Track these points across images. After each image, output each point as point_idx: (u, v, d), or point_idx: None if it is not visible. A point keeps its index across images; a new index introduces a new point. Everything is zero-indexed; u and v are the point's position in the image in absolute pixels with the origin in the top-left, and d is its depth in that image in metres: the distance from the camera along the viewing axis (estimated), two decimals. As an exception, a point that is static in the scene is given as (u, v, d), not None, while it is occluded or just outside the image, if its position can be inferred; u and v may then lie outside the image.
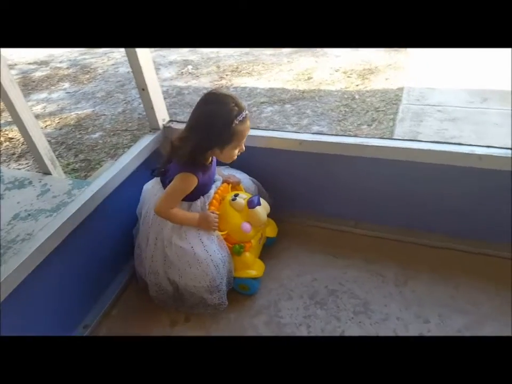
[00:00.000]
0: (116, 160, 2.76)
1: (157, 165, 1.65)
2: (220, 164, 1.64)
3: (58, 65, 5.64)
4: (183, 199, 1.51)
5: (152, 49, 5.75)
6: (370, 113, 3.49)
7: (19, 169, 3.45)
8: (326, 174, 1.82)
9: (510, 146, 1.49)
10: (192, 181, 1.46)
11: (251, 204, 1.53)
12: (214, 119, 1.37)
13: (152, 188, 1.64)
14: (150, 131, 1.95)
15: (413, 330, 1.48)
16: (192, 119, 1.44)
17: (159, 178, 1.64)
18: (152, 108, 1.87)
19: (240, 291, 1.66)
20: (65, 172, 3.06)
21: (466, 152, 1.51)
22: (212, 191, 1.60)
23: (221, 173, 1.72)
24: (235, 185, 1.68)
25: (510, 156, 1.47)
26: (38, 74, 5.42)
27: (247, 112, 1.40)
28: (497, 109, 3.33)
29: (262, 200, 1.58)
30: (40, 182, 2.74)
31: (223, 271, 1.53)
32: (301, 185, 1.90)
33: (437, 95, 3.66)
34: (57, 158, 3.50)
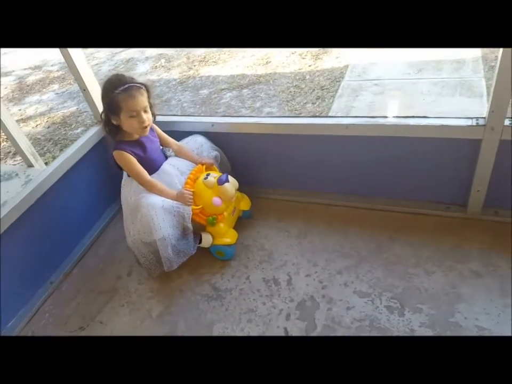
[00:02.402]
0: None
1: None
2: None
3: (50, 68, 5.82)
4: None
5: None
6: (316, 91, 3.64)
7: (14, 165, 3.68)
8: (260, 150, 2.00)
9: (423, 115, 1.63)
10: (124, 156, 1.65)
11: (220, 181, 1.68)
12: (102, 93, 1.63)
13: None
14: (95, 123, 2.17)
15: (303, 272, 1.69)
16: None
17: None
18: (95, 104, 2.08)
19: (218, 257, 1.81)
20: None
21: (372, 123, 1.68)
22: (167, 167, 1.77)
23: (193, 156, 1.85)
24: (209, 166, 1.82)
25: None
26: (32, 78, 5.61)
27: (131, 85, 1.58)
28: (429, 78, 3.45)
29: (230, 178, 1.72)
30: (24, 173, 3.00)
31: (165, 217, 1.59)
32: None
33: (378, 69, 3.78)
34: (45, 152, 3.76)
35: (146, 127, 1.65)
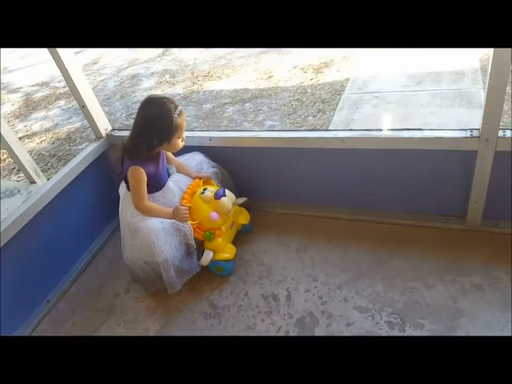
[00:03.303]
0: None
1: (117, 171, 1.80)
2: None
3: (57, 84, 5.86)
4: None
5: (138, 61, 5.94)
6: (317, 105, 3.62)
7: (18, 181, 3.68)
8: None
9: (418, 127, 1.61)
10: (140, 172, 1.62)
11: (217, 196, 1.66)
12: (159, 118, 1.58)
13: (121, 188, 1.80)
14: (95, 139, 2.15)
15: (302, 287, 1.65)
16: (137, 121, 1.64)
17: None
18: (93, 120, 2.07)
19: (216, 272, 1.77)
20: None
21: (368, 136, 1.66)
22: (171, 184, 1.74)
23: (191, 172, 1.84)
24: (206, 180, 1.81)
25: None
26: (39, 95, 5.65)
27: (180, 108, 1.61)
28: (427, 90, 3.43)
29: (227, 191, 1.71)
30: (26, 190, 2.99)
31: (166, 240, 1.57)
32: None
33: (378, 82, 3.76)
34: (49, 168, 3.76)
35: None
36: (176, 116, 1.57)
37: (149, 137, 1.59)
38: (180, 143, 1.66)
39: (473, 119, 2.80)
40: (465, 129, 1.49)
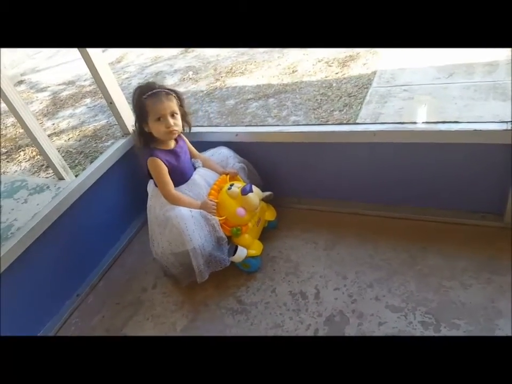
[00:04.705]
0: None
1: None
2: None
3: (83, 83, 5.95)
4: None
5: (161, 58, 5.97)
6: (343, 99, 3.56)
7: (47, 177, 3.75)
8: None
9: (453, 120, 1.57)
10: (157, 162, 1.64)
11: (244, 191, 1.65)
12: (132, 100, 1.67)
13: (149, 185, 1.82)
14: (122, 136, 2.17)
15: (331, 285, 1.62)
16: None
17: None
18: (121, 116, 2.09)
19: (243, 269, 1.75)
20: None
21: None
22: (197, 177, 1.75)
23: (217, 167, 1.83)
24: (233, 176, 1.80)
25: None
26: (65, 93, 5.74)
27: (159, 90, 1.61)
28: (460, 83, 3.32)
29: (254, 187, 1.69)
30: (55, 186, 3.04)
31: (195, 228, 1.56)
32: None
33: (407, 75, 3.67)
34: (76, 165, 3.83)
35: (173, 131, 1.64)
36: (145, 97, 1.59)
37: (136, 123, 1.69)
38: (162, 128, 1.62)
39: (509, 112, 2.70)
40: (506, 122, 1.43)
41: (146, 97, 1.59)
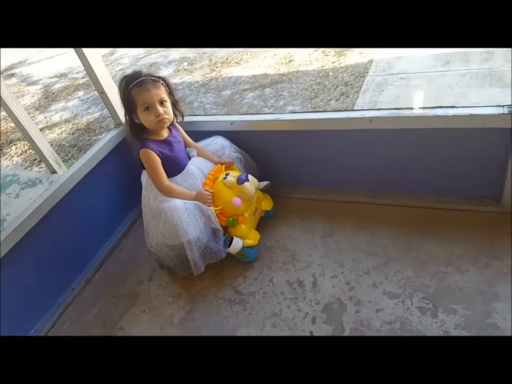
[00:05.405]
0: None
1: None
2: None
3: (75, 75, 5.91)
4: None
5: (154, 49, 5.94)
6: (339, 88, 3.56)
7: (40, 171, 3.74)
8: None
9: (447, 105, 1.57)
10: (150, 154, 1.63)
11: (239, 181, 1.63)
12: (119, 91, 1.65)
13: (143, 175, 1.79)
14: (115, 126, 2.16)
15: (329, 273, 1.62)
16: None
17: None
18: (113, 106, 2.08)
19: (240, 259, 1.74)
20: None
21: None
22: (192, 167, 1.73)
23: (213, 157, 1.81)
24: (229, 165, 1.79)
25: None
26: (57, 86, 5.71)
27: (145, 78, 1.59)
28: (456, 70, 3.33)
29: (250, 176, 1.67)
30: (48, 180, 3.03)
31: (190, 220, 1.54)
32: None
33: (403, 63, 3.67)
34: (69, 159, 3.81)
35: (163, 120, 1.62)
36: (131, 87, 1.57)
37: (126, 115, 1.67)
38: (152, 117, 1.60)
39: (506, 98, 2.71)
40: (502, 106, 1.43)
41: (133, 86, 1.57)
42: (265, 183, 1.79)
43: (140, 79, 1.58)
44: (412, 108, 1.60)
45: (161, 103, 1.61)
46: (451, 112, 1.49)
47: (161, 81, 1.63)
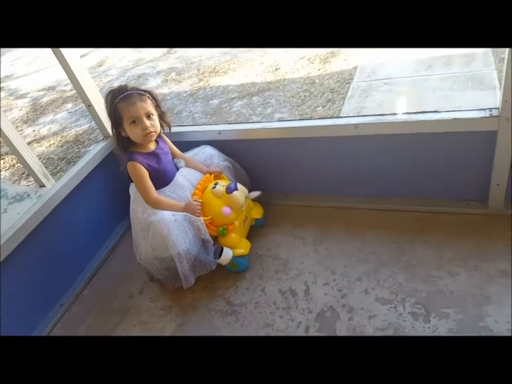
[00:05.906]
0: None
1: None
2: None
3: (64, 88, 5.86)
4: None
5: (143, 61, 5.92)
6: (326, 95, 3.56)
7: (28, 185, 3.69)
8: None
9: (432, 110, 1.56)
10: (137, 167, 1.60)
11: (229, 190, 1.60)
12: (105, 105, 1.63)
13: (131, 188, 1.75)
14: (103, 138, 2.13)
15: (321, 280, 1.60)
16: None
17: None
18: (100, 119, 2.05)
19: (231, 269, 1.71)
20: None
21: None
22: (180, 178, 1.70)
23: (201, 166, 1.79)
24: (217, 175, 1.77)
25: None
26: (46, 99, 5.66)
27: (131, 92, 1.57)
28: (439, 74, 3.35)
29: (239, 185, 1.65)
30: (36, 193, 2.97)
31: (179, 232, 1.51)
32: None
33: (387, 69, 3.69)
34: (58, 171, 3.76)
35: (150, 133, 1.60)
36: (117, 101, 1.56)
37: (113, 129, 1.65)
38: (139, 131, 1.58)
39: (488, 100, 2.73)
40: (484, 109, 1.43)
41: (119, 100, 1.56)
42: (257, 193, 1.77)
43: (125, 93, 1.56)
44: (395, 114, 1.59)
45: (148, 116, 1.59)
46: (434, 117, 1.49)
47: (147, 95, 1.61)
